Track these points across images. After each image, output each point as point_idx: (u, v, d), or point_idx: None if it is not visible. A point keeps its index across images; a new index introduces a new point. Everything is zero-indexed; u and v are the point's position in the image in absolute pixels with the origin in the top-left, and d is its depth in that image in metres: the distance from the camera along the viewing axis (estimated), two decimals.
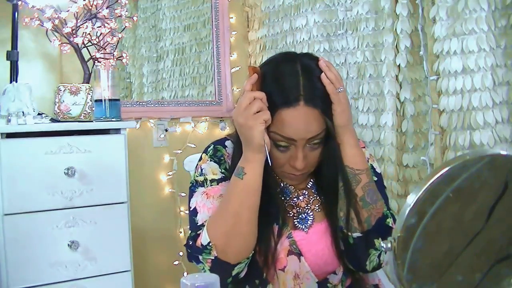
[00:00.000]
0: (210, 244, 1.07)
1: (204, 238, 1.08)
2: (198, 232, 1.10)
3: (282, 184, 1.20)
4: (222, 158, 1.21)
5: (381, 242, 0.70)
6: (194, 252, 1.10)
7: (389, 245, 0.69)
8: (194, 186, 1.20)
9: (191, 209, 1.17)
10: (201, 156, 1.24)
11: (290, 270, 1.13)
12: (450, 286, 0.73)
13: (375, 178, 1.21)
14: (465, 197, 0.71)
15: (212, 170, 1.19)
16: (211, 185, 1.17)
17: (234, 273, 1.08)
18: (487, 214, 0.72)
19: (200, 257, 1.08)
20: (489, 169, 0.71)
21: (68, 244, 1.77)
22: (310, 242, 1.15)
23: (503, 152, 0.73)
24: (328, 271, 1.16)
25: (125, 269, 1.89)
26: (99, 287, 1.83)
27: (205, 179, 1.18)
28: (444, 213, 0.70)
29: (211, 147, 1.23)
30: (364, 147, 1.25)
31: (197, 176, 1.20)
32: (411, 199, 0.69)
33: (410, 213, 0.68)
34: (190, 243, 1.11)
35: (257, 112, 1.03)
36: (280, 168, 1.13)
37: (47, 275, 1.75)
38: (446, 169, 0.69)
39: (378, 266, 1.14)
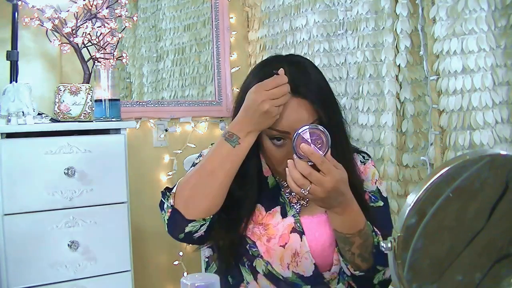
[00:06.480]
0: (174, 191, 1.09)
1: (174, 186, 1.11)
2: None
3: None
4: None
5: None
6: (162, 196, 1.13)
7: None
8: (190, 168, 1.23)
9: None
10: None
11: (290, 247, 1.14)
12: (450, 286, 0.73)
13: (381, 203, 1.22)
14: (466, 197, 0.71)
15: None
16: None
17: (187, 230, 1.08)
18: (488, 214, 0.72)
19: (165, 205, 1.10)
20: (489, 169, 0.71)
21: (68, 244, 1.77)
22: (308, 227, 1.17)
23: (503, 152, 0.73)
24: (323, 263, 1.16)
25: (125, 269, 1.89)
26: (99, 287, 1.83)
27: (200, 155, 1.23)
28: (445, 212, 0.70)
29: None
30: (374, 166, 1.26)
31: (196, 159, 1.24)
32: (411, 199, 0.69)
33: (410, 213, 0.68)
34: (163, 189, 1.14)
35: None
36: (280, 167, 1.14)
37: (47, 275, 1.74)
38: (446, 169, 0.69)
39: (384, 280, 1.14)
